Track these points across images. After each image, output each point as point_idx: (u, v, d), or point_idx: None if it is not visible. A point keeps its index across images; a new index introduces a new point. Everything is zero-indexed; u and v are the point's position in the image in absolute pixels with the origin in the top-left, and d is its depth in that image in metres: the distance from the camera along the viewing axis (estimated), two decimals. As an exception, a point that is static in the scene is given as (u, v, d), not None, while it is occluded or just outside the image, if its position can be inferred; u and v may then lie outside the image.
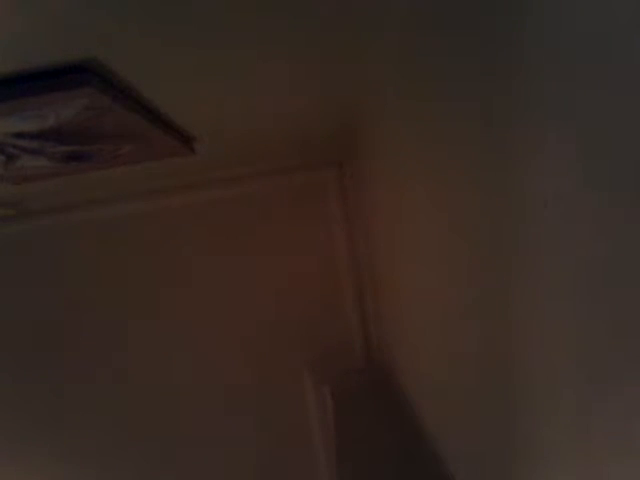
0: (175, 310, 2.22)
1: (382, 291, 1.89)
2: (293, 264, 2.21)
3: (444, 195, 0.86)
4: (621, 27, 0.35)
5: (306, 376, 2.23)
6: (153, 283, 2.20)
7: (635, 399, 0.40)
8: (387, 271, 1.68)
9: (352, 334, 2.25)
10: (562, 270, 0.49)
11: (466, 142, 0.69)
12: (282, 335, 2.25)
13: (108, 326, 2.20)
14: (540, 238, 0.52)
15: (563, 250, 0.48)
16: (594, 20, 0.37)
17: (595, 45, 0.38)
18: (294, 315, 2.24)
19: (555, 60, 0.43)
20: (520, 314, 0.61)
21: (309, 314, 2.24)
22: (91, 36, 0.67)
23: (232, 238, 2.20)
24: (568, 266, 0.47)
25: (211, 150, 1.56)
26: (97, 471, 2.31)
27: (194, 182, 2.12)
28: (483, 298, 0.74)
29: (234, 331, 2.24)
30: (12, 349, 2.20)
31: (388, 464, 1.36)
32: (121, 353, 2.23)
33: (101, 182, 1.76)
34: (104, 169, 1.42)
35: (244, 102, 1.15)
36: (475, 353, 0.83)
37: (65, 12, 0.59)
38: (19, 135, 0.91)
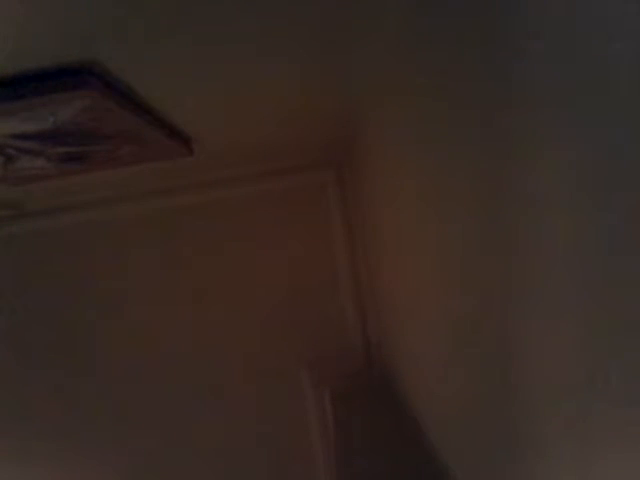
0: (175, 310, 2.22)
1: (381, 292, 1.89)
2: (292, 265, 2.22)
3: (444, 195, 0.86)
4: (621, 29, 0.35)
5: (305, 377, 2.23)
6: (153, 283, 2.20)
7: (635, 396, 0.40)
8: (386, 272, 1.68)
9: (351, 335, 2.25)
10: (562, 269, 0.49)
11: (465, 142, 0.70)
12: (281, 336, 2.25)
13: (108, 326, 2.20)
14: (541, 237, 0.52)
15: (563, 250, 0.48)
16: (594, 18, 0.38)
17: (595, 44, 0.38)
18: (293, 316, 2.24)
19: (555, 59, 0.43)
20: (520, 314, 0.61)
21: (308, 315, 2.24)
22: (91, 38, 0.67)
23: (231, 239, 2.20)
24: (567, 265, 0.47)
25: (210, 151, 1.57)
26: (95, 473, 2.31)
27: (193, 183, 2.12)
28: (482, 298, 0.74)
29: (233, 332, 2.24)
30: (12, 348, 2.20)
31: (387, 464, 1.36)
32: (121, 353, 2.23)
33: (100, 183, 1.76)
34: (103, 170, 1.42)
35: (243, 103, 1.15)
36: (475, 353, 0.84)
37: (65, 14, 0.60)
38: (19, 136, 0.92)
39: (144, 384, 2.25)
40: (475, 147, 0.66)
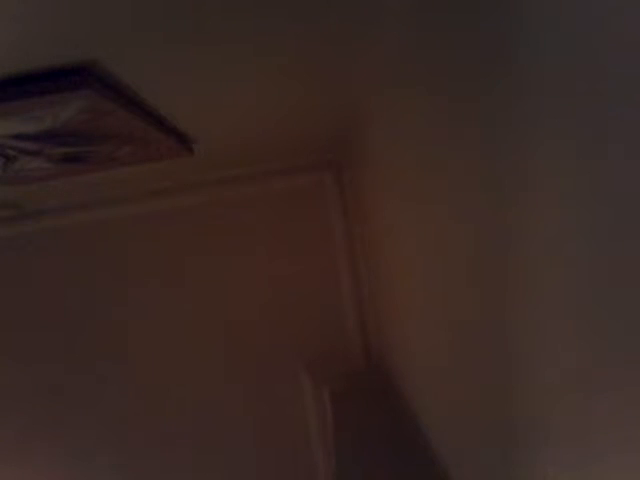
0: (174, 310, 2.22)
1: (381, 292, 1.89)
2: (292, 265, 2.22)
3: (443, 195, 0.86)
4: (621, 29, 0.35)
5: (305, 377, 2.23)
6: (152, 283, 2.20)
7: (635, 393, 0.40)
8: (386, 272, 1.68)
9: (351, 335, 2.25)
10: (562, 268, 0.49)
11: (466, 141, 0.70)
12: (281, 336, 2.25)
13: (108, 325, 2.21)
14: (541, 236, 0.52)
15: (562, 250, 0.48)
16: (595, 17, 0.38)
17: (595, 43, 0.38)
18: (293, 316, 2.24)
19: (555, 59, 0.43)
20: (520, 311, 0.61)
21: (308, 315, 2.24)
22: (90, 38, 0.67)
23: (231, 239, 2.20)
24: (569, 265, 0.47)
25: (210, 151, 1.57)
26: (93, 474, 2.31)
27: (193, 183, 2.12)
28: (483, 296, 0.74)
29: (233, 331, 2.25)
30: (12, 348, 2.20)
31: (387, 464, 1.36)
32: (121, 352, 2.23)
33: (100, 183, 1.76)
34: (103, 170, 1.42)
35: (243, 104, 1.15)
36: (475, 353, 0.84)
37: (65, 14, 0.60)
38: (18, 136, 0.92)
39: (144, 384, 2.25)
40: (476, 146, 0.66)
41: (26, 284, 2.17)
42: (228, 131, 1.39)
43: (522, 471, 0.70)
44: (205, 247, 2.20)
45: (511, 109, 0.53)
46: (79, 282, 2.18)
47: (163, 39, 0.72)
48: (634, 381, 0.39)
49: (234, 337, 2.25)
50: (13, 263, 2.15)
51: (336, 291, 2.23)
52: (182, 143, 1.30)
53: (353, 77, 1.10)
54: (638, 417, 0.39)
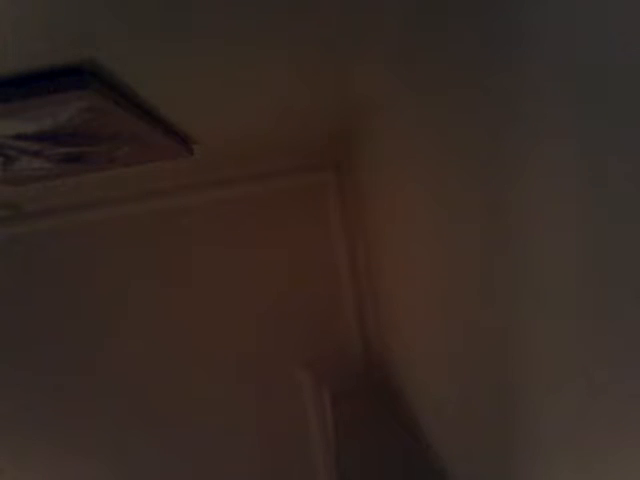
0: (174, 310, 2.22)
1: (381, 292, 1.89)
2: (292, 264, 2.22)
3: (443, 195, 0.86)
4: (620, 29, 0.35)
5: (305, 378, 2.23)
6: (152, 283, 2.20)
7: (634, 395, 0.40)
8: (386, 272, 1.68)
9: (351, 336, 2.25)
10: (562, 269, 0.49)
11: (467, 142, 0.70)
12: (281, 336, 2.25)
13: (108, 325, 2.21)
14: (541, 236, 0.52)
15: (562, 250, 0.48)
16: (595, 16, 0.38)
17: (595, 43, 0.38)
18: (293, 316, 2.24)
19: (555, 60, 0.43)
20: (520, 313, 0.61)
21: (308, 316, 2.24)
22: (90, 38, 0.67)
23: (231, 239, 2.20)
24: (568, 265, 0.47)
25: (209, 152, 1.56)
26: (95, 473, 2.31)
27: (192, 183, 2.12)
28: (483, 297, 0.74)
29: (233, 332, 2.24)
30: (12, 348, 2.20)
31: (386, 464, 1.36)
32: (121, 352, 2.23)
33: (100, 183, 1.76)
34: (102, 170, 1.42)
35: (243, 104, 1.15)
36: (475, 354, 0.84)
37: (64, 14, 0.60)
38: (18, 137, 0.92)
39: (144, 384, 2.25)
40: (478, 146, 0.66)
41: (26, 284, 2.17)
42: (228, 131, 1.39)
43: (522, 470, 0.69)
44: (205, 247, 2.20)
45: (513, 109, 0.53)
46: (79, 282, 2.18)
47: (163, 39, 0.72)
48: (634, 381, 0.39)
49: (234, 337, 2.25)
50: (13, 263, 2.15)
51: (336, 291, 2.23)
52: (182, 143, 1.29)
53: (353, 77, 1.10)
54: (638, 417, 0.39)
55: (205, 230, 2.19)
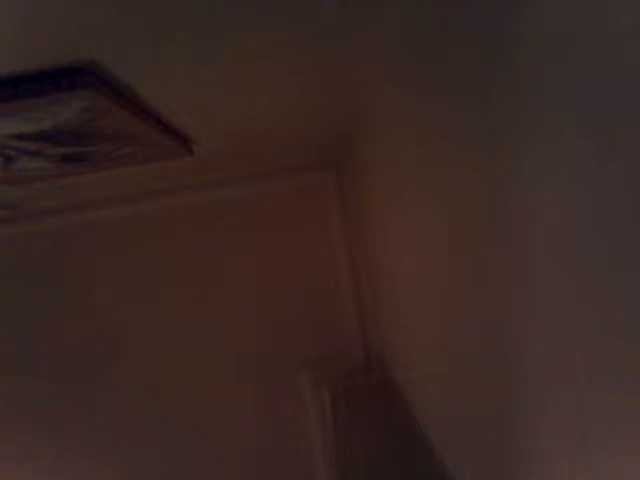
0: (174, 310, 2.22)
1: (381, 292, 1.89)
2: (292, 265, 2.22)
3: (443, 194, 0.86)
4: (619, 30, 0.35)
5: (305, 377, 2.23)
6: (153, 283, 2.20)
7: (635, 395, 0.40)
8: (386, 272, 1.68)
9: (351, 335, 2.25)
10: (563, 267, 0.49)
11: (466, 142, 0.70)
12: (281, 336, 2.25)
13: (108, 325, 2.20)
14: (542, 236, 0.52)
15: (563, 248, 0.48)
16: (595, 17, 0.38)
17: (594, 44, 0.38)
18: (293, 316, 2.24)
19: (555, 60, 0.43)
20: (520, 315, 0.61)
21: (308, 315, 2.24)
22: (90, 38, 0.67)
23: (231, 239, 2.20)
24: (569, 263, 0.47)
25: (210, 152, 1.56)
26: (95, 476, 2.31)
27: (192, 184, 2.12)
28: (484, 297, 0.74)
29: (233, 332, 2.24)
30: (12, 350, 2.20)
31: (386, 464, 1.36)
32: (121, 353, 2.23)
33: (100, 183, 1.76)
34: (103, 170, 1.42)
35: (243, 104, 1.15)
36: (475, 354, 0.84)
37: (64, 14, 0.60)
38: (18, 137, 0.92)
39: (144, 385, 2.25)
40: (477, 146, 0.66)
41: (26, 284, 2.17)
42: (228, 131, 1.39)
43: (522, 469, 0.70)
44: (205, 247, 2.20)
45: (512, 108, 0.53)
46: (79, 282, 2.18)
47: (163, 39, 0.72)
48: (635, 381, 0.39)
49: (234, 337, 2.24)
50: (13, 263, 2.15)
51: (336, 291, 2.23)
52: (182, 143, 1.29)
53: (354, 77, 1.10)
54: (637, 416, 0.39)
55: (205, 230, 2.19)
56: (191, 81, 0.93)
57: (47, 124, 0.87)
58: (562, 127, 0.43)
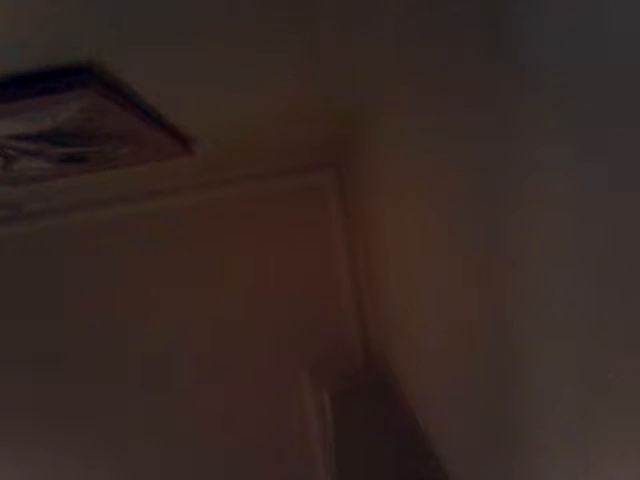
0: (174, 310, 2.22)
1: (381, 291, 1.89)
2: (292, 265, 2.22)
3: (444, 194, 0.86)
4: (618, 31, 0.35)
5: (305, 377, 2.23)
6: (153, 283, 2.20)
7: (635, 398, 0.40)
8: (385, 272, 1.68)
9: (350, 336, 2.25)
10: (562, 271, 0.49)
11: (466, 142, 0.70)
12: (281, 337, 2.25)
13: (108, 326, 2.21)
14: (542, 236, 0.52)
15: (564, 252, 0.48)
16: (595, 20, 0.38)
17: (594, 47, 0.38)
18: (293, 317, 2.24)
19: (555, 61, 0.43)
20: (520, 315, 0.61)
21: (308, 316, 2.24)
22: (90, 38, 0.67)
23: (231, 239, 2.20)
24: (569, 265, 0.47)
25: (210, 152, 1.56)
26: (95, 475, 2.31)
27: (192, 183, 2.12)
28: (482, 297, 0.74)
29: (233, 332, 2.24)
30: (11, 349, 2.20)
31: (386, 464, 1.36)
32: (121, 353, 2.23)
33: (100, 183, 1.76)
34: (103, 170, 1.42)
35: (243, 104, 1.15)
36: (475, 354, 0.84)
37: (64, 14, 0.60)
38: (18, 137, 0.92)
39: (144, 385, 2.25)
40: (477, 146, 0.66)
41: (26, 285, 2.17)
42: (228, 131, 1.39)
43: (522, 469, 0.69)
44: (205, 248, 2.20)
45: (513, 110, 0.53)
46: (79, 283, 2.18)
47: (163, 39, 0.72)
48: (635, 381, 0.39)
49: (234, 337, 2.24)
50: (13, 263, 2.15)
51: (336, 291, 2.23)
52: (182, 143, 1.29)
53: (354, 78, 1.10)
54: (638, 417, 0.39)
55: (205, 230, 2.19)
56: (191, 81, 0.93)
57: (47, 124, 0.87)
58: (563, 126, 0.43)
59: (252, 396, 2.28)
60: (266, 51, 0.85)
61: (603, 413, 0.45)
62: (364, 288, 2.21)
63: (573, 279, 0.46)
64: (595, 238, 0.41)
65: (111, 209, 2.13)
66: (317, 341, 2.25)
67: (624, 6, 0.33)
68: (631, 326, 0.38)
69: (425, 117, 0.87)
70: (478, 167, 0.66)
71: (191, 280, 2.21)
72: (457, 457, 1.11)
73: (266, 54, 0.87)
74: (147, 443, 2.29)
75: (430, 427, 1.35)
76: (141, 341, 2.22)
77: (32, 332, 2.19)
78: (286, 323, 2.24)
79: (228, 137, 1.46)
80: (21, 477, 2.29)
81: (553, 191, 0.47)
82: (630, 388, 0.40)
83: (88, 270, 2.17)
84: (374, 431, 1.55)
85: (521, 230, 0.55)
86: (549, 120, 0.45)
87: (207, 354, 2.25)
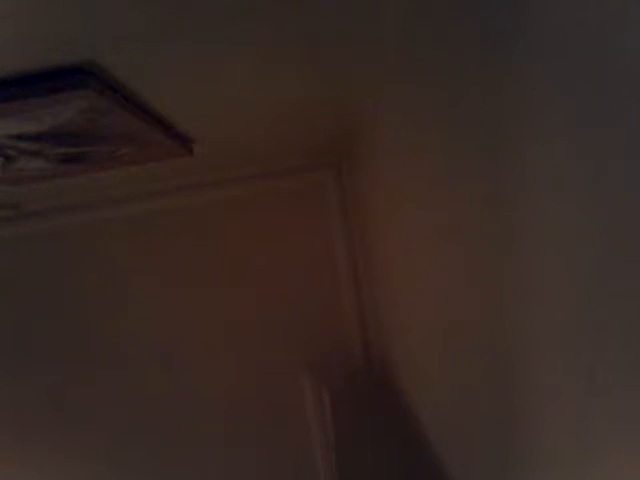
0: (174, 310, 2.22)
1: (381, 292, 1.89)
2: (292, 265, 2.22)
3: (444, 194, 0.86)
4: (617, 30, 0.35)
5: (305, 377, 2.23)
6: (153, 283, 2.20)
7: (635, 400, 0.40)
8: (386, 272, 1.68)
9: (351, 335, 2.25)
10: (561, 271, 0.49)
11: (467, 142, 0.70)
12: (280, 336, 2.25)
13: (108, 326, 2.20)
14: (543, 235, 0.52)
15: (563, 252, 0.48)
16: (594, 15, 0.38)
17: (593, 43, 0.38)
18: (293, 316, 2.24)
19: (555, 61, 0.43)
20: (519, 315, 0.61)
21: (308, 315, 2.24)
22: (90, 38, 0.67)
23: (231, 239, 2.20)
24: (567, 267, 0.47)
25: (210, 151, 1.56)
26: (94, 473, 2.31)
27: (192, 184, 2.12)
28: (484, 296, 0.74)
29: (233, 332, 2.24)
30: (11, 349, 2.20)
31: (386, 464, 1.36)
32: (121, 352, 2.23)
33: (100, 183, 1.76)
34: (103, 170, 1.42)
35: (243, 104, 1.15)
36: (475, 354, 0.84)
37: (64, 14, 0.60)
38: (17, 137, 0.92)
39: (144, 384, 2.25)
40: (478, 146, 0.66)
41: (26, 285, 2.17)
42: (228, 131, 1.39)
43: (522, 469, 0.70)
44: (205, 247, 2.20)
45: (514, 108, 0.53)
46: (79, 283, 2.18)
47: (163, 39, 0.72)
48: (636, 381, 0.39)
49: (234, 337, 2.24)
50: (13, 263, 2.15)
51: (336, 291, 2.23)
52: (182, 143, 1.29)
53: (354, 78, 1.10)
54: (638, 417, 0.39)
55: (205, 230, 2.19)
56: (191, 81, 0.93)
57: (47, 124, 0.87)
58: (564, 126, 0.43)
59: (252, 396, 2.28)
60: (266, 52, 0.86)
61: (604, 413, 0.45)
62: (364, 288, 2.21)
63: (574, 278, 0.46)
64: (595, 238, 0.41)
65: (111, 209, 2.13)
66: (317, 341, 2.25)
67: (624, 6, 0.33)
68: (631, 326, 0.38)
69: (425, 117, 0.87)
70: (480, 166, 0.66)
71: (190, 280, 2.21)
72: (456, 457, 1.11)
73: (266, 55, 0.87)
74: (147, 443, 2.29)
75: (430, 427, 1.35)
76: (141, 341, 2.22)
77: (32, 332, 2.19)
78: (286, 323, 2.24)
79: (228, 137, 1.46)
80: (21, 477, 2.29)
81: (555, 188, 0.47)
82: (630, 388, 0.40)
83: (88, 270, 2.17)
84: (374, 431, 1.55)
85: (522, 230, 0.56)
86: (551, 120, 0.45)
87: (206, 354, 2.25)
